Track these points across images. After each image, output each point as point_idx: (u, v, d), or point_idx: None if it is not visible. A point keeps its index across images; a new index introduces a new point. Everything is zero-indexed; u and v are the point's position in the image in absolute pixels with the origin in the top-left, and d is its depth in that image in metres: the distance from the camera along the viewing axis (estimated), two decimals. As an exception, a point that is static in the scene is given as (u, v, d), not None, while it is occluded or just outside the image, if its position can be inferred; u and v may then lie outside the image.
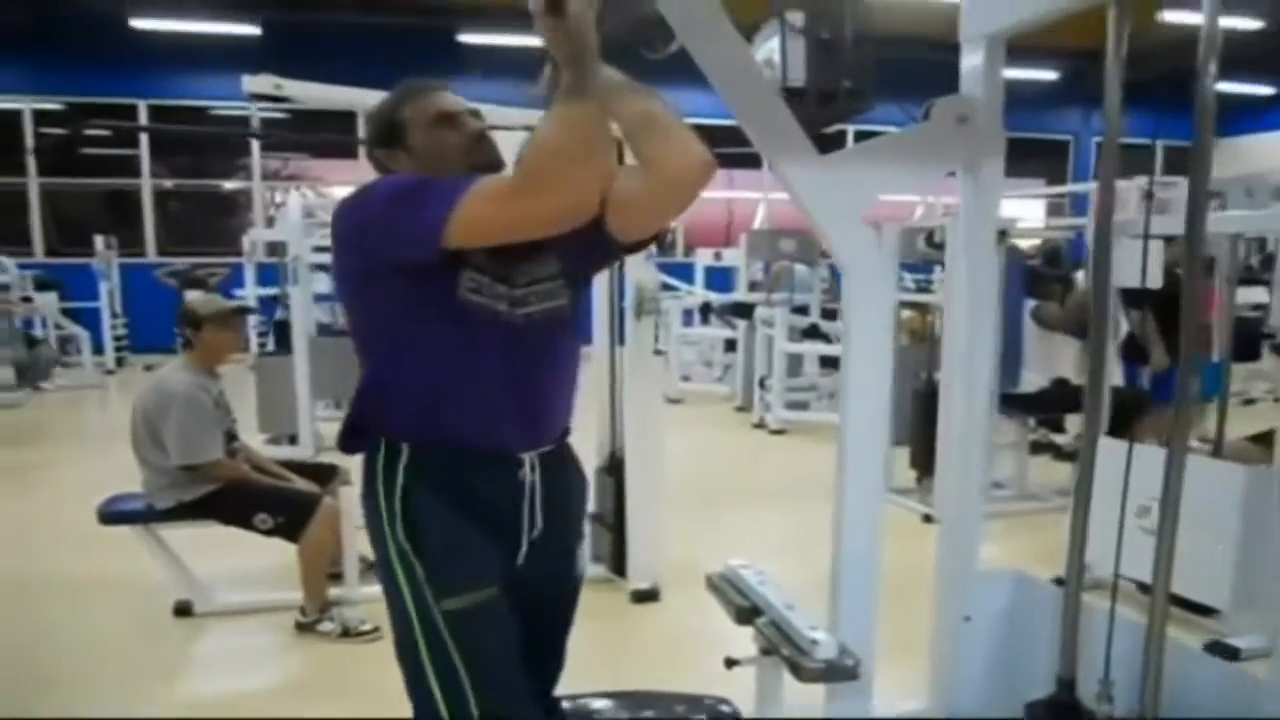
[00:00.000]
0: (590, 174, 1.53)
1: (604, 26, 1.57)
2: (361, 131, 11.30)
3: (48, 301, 10.33)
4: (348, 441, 1.80)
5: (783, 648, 2.04)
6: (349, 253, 1.72)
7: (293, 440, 6.46)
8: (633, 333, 4.06)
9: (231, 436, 3.80)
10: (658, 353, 4.24)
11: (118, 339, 11.46)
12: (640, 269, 4.06)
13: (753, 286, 9.42)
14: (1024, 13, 2.16)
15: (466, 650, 1.67)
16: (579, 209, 1.56)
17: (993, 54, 2.26)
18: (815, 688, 2.19)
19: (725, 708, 2.37)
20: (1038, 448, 5.77)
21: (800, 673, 1.97)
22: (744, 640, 2.26)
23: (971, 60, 2.30)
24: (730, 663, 2.23)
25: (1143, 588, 3.76)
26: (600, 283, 4.34)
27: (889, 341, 2.28)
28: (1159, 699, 1.77)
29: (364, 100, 4.51)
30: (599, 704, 2.47)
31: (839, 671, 1.98)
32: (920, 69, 3.19)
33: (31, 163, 12.82)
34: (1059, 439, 6.11)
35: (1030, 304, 5.85)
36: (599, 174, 1.56)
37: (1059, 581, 2.20)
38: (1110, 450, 2.02)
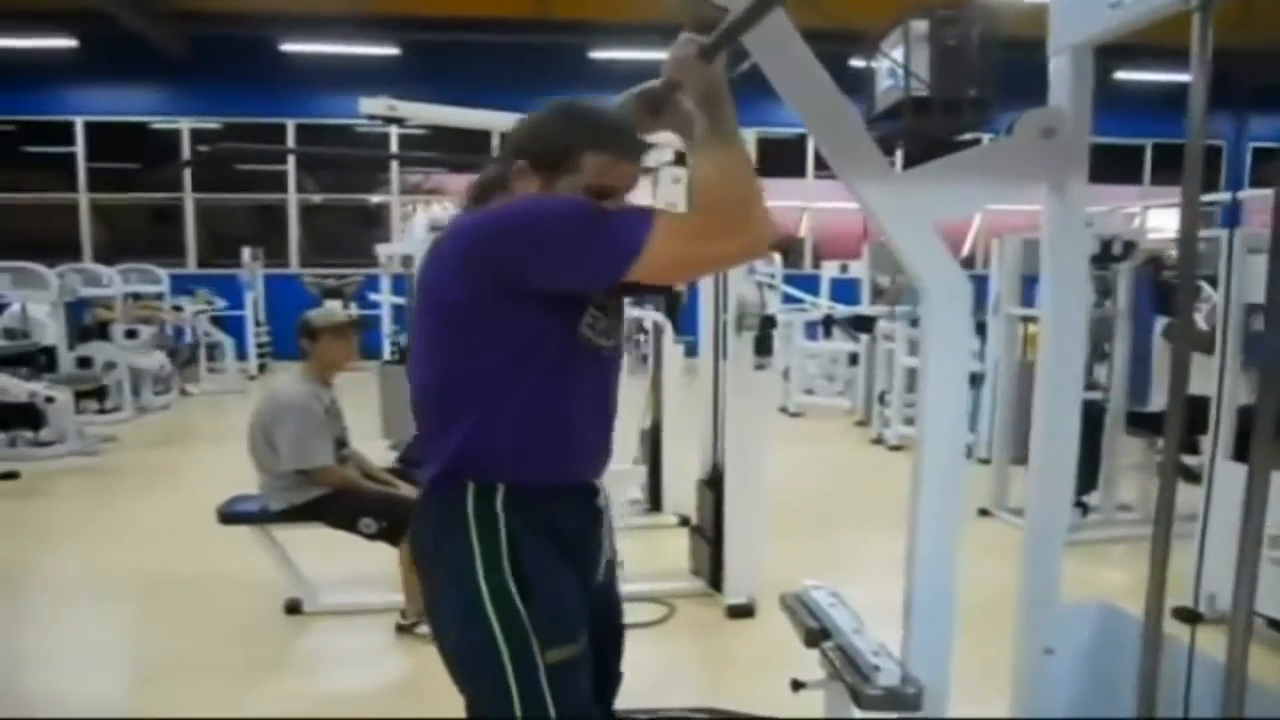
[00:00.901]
0: (761, 214, 1.55)
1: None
2: (494, 150, 11.59)
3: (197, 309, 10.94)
4: (444, 484, 1.66)
5: (846, 673, 2.00)
6: (486, 277, 1.56)
7: (413, 447, 6.66)
8: (734, 347, 4.05)
9: (342, 443, 3.96)
10: (759, 367, 4.21)
11: (260, 346, 12.09)
12: (743, 283, 4.05)
13: (877, 292, 9.24)
14: (1113, 20, 2.07)
15: (561, 705, 1.60)
16: (756, 249, 1.60)
17: (1081, 64, 2.17)
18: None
19: (796, 731, 2.33)
20: (1167, 470, 5.48)
21: (860, 700, 1.93)
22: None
23: (1059, 70, 2.21)
24: (797, 685, 2.20)
25: (1273, 624, 3.58)
26: (706, 296, 4.35)
27: (967, 360, 2.21)
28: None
29: (474, 120, 4.64)
30: (675, 718, 2.46)
31: (900, 700, 1.92)
32: (1019, 72, 3.08)
33: (188, 179, 13.63)
34: (1189, 460, 5.78)
35: (1161, 320, 5.54)
36: (765, 212, 1.57)
37: (1179, 612, 2.07)
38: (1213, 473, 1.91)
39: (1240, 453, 3.69)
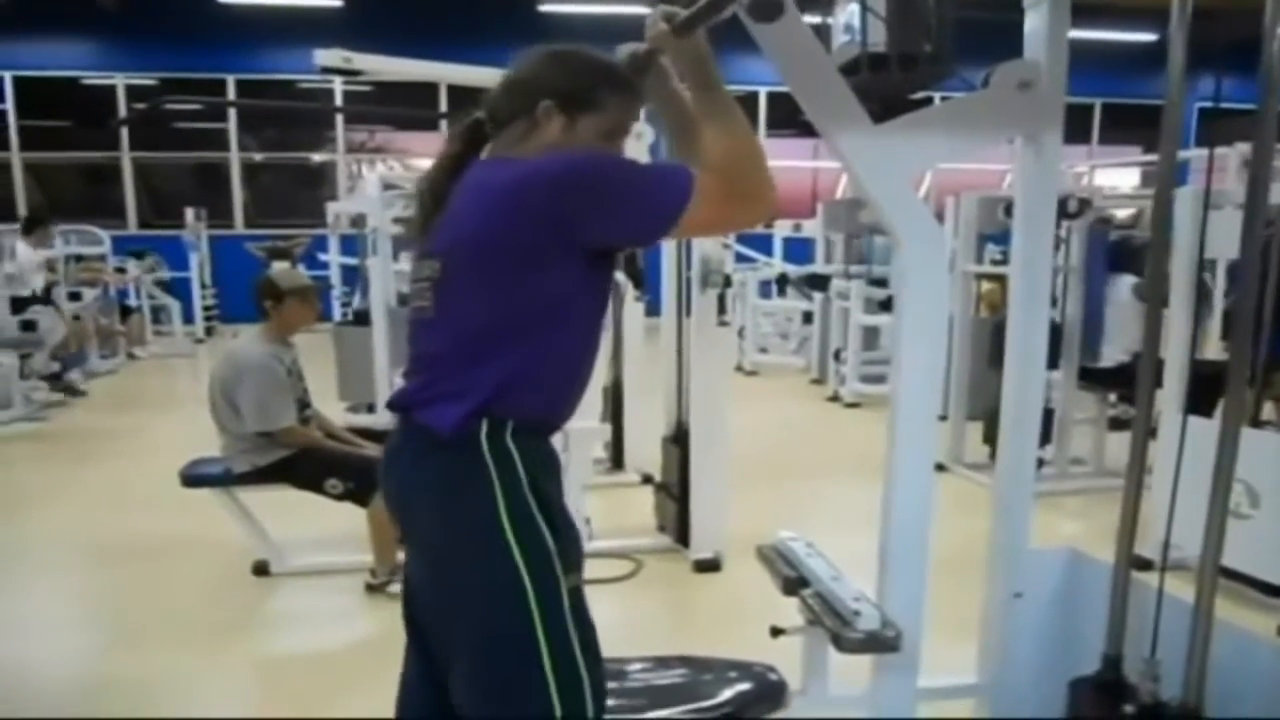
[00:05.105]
0: (771, 179, 1.62)
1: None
2: (443, 105, 11.34)
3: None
4: (461, 420, 1.59)
5: (826, 618, 2.04)
6: (547, 228, 1.55)
7: (371, 409, 6.59)
8: (698, 304, 4.06)
9: (304, 404, 3.92)
10: (723, 324, 4.24)
11: (207, 309, 11.87)
12: (706, 242, 4.06)
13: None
14: (1087, -26, 2.09)
15: (581, 628, 1.61)
16: (770, 212, 1.65)
17: (1057, 16, 2.19)
18: (866, 659, 2.20)
19: (772, 675, 2.37)
20: (1117, 424, 5.62)
21: (841, 643, 1.98)
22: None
23: (1035, 23, 2.23)
24: (776, 632, 2.24)
25: (1226, 573, 3.68)
26: (668, 254, 4.35)
27: (944, 314, 2.24)
28: (1204, 679, 1.73)
29: (433, 72, 4.55)
30: (647, 666, 2.49)
31: (879, 643, 1.97)
32: (983, 31, 3.10)
33: (124, 137, 13.24)
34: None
35: (1121, 279, 5.57)
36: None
37: (1133, 561, 2.13)
38: (1185, 427, 1.96)
39: (1194, 406, 3.77)
